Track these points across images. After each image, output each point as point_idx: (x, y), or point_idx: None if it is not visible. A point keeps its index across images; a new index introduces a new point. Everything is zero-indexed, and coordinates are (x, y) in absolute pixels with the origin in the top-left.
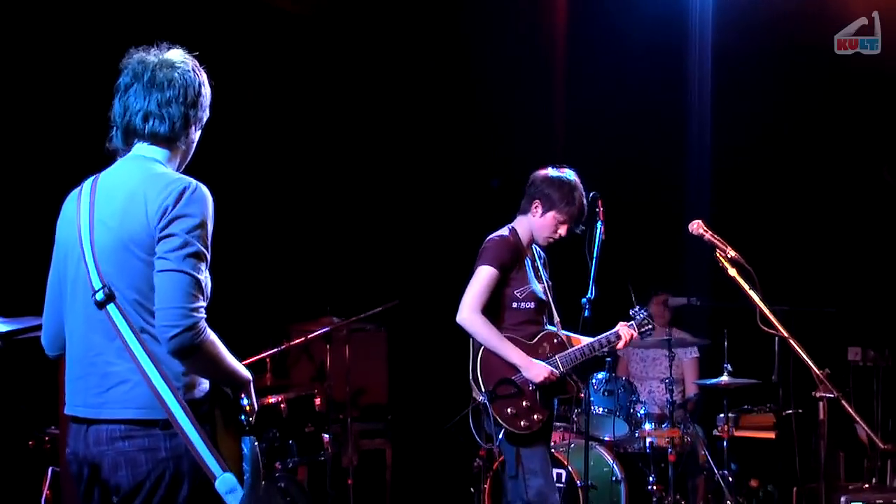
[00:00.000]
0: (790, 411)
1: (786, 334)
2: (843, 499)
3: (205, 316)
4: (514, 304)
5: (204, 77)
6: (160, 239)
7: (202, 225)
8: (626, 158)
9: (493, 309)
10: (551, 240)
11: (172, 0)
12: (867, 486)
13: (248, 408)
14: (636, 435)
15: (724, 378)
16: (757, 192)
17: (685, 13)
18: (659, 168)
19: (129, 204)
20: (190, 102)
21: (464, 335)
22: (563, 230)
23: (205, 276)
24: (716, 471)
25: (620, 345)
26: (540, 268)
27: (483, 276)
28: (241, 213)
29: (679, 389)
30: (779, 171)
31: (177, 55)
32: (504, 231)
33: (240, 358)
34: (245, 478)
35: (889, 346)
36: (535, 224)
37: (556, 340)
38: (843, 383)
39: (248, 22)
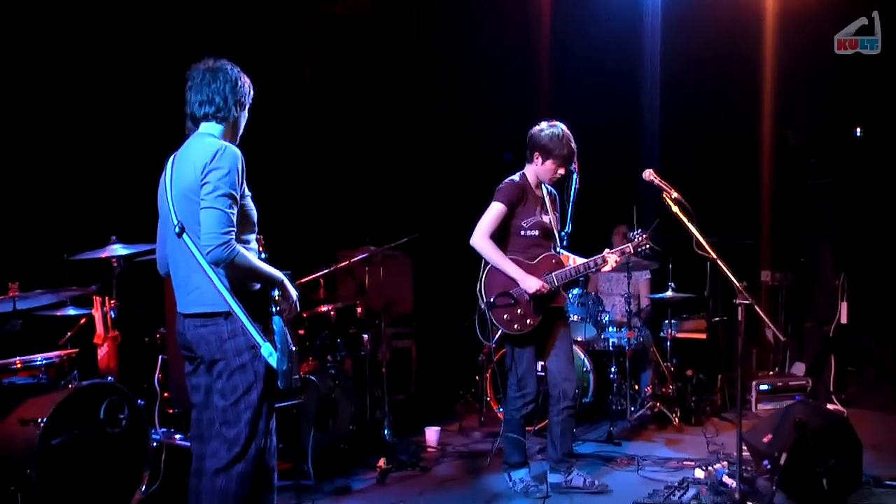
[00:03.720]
0: (717, 318)
1: (714, 256)
2: (754, 382)
3: (233, 238)
4: (522, 232)
5: (241, 74)
6: (201, 186)
7: (230, 173)
8: (597, 123)
9: (503, 235)
10: (555, 179)
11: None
12: (772, 373)
13: (276, 298)
14: (602, 336)
15: (669, 293)
16: (696, 152)
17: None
18: (621, 131)
19: (188, 165)
20: (229, 90)
21: (472, 260)
22: (561, 171)
23: (235, 210)
24: (661, 363)
25: (606, 268)
26: (548, 205)
27: (493, 210)
28: (304, 168)
29: (635, 302)
30: (711, 134)
31: (220, 62)
32: (515, 176)
33: (298, 277)
34: (277, 345)
35: (791, 270)
36: (539, 170)
37: (553, 261)
38: (756, 298)
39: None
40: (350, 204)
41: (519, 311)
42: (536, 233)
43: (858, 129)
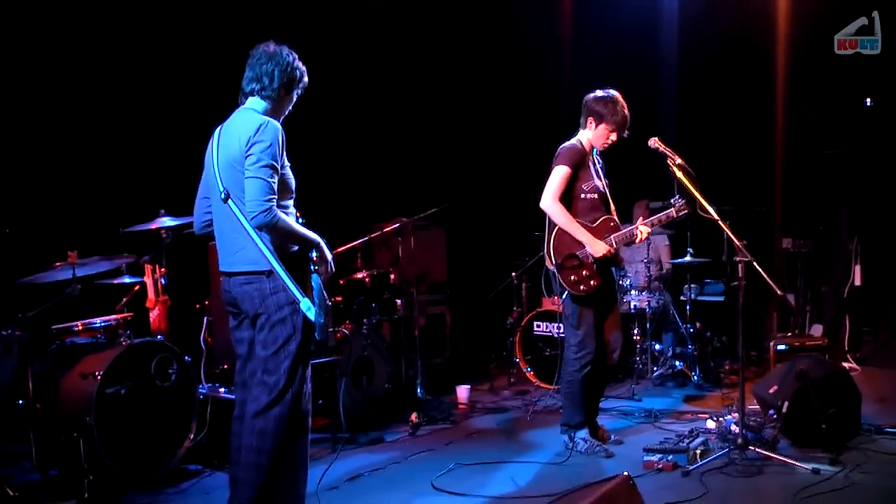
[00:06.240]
0: (735, 283)
1: (716, 217)
2: (772, 343)
3: (274, 204)
4: (582, 195)
5: (296, 61)
6: (246, 157)
7: (271, 146)
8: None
9: (567, 199)
10: (607, 145)
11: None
12: (790, 334)
13: (315, 258)
14: (624, 299)
15: (688, 258)
16: (712, 124)
17: None
18: (639, 104)
19: (233, 137)
20: (278, 73)
21: (501, 231)
22: (613, 136)
23: (276, 179)
24: (681, 325)
25: (638, 241)
26: (600, 170)
27: (559, 173)
28: (341, 146)
29: (656, 268)
30: (727, 106)
31: (279, 47)
32: (573, 141)
33: (336, 246)
34: (315, 300)
35: (811, 237)
36: (592, 135)
37: (612, 224)
38: (776, 264)
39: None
40: (385, 178)
41: (584, 272)
42: (595, 196)
43: (868, 100)
